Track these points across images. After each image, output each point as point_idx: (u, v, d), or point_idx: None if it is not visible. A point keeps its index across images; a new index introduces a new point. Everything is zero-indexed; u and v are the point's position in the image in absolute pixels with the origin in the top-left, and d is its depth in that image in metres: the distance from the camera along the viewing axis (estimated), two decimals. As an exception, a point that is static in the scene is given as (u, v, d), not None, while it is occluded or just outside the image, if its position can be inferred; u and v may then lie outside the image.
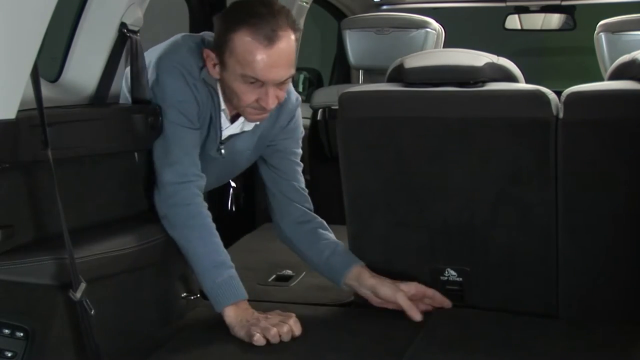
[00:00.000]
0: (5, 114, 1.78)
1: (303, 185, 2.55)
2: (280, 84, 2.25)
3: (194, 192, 2.28)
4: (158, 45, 2.39)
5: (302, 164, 2.58)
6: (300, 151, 2.59)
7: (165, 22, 3.50)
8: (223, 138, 2.41)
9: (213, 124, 2.38)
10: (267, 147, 2.53)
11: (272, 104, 2.25)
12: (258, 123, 2.42)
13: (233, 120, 2.41)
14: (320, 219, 2.51)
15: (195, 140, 2.33)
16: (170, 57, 2.31)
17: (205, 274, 2.21)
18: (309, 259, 2.49)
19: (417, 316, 2.28)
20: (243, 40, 2.17)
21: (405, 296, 2.31)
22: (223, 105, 2.37)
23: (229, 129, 2.42)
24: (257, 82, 2.21)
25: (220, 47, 2.22)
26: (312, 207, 2.53)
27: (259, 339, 2.09)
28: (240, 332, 2.14)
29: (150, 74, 2.30)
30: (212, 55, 2.26)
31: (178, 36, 2.39)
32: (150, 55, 2.33)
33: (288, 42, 2.20)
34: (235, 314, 2.17)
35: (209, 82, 2.32)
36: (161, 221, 2.27)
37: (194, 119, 2.31)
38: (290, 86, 2.42)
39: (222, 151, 2.42)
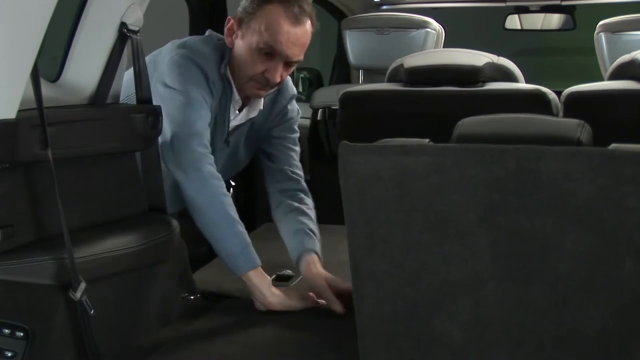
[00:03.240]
0: (5, 114, 1.78)
1: (299, 170, 2.62)
2: (289, 65, 2.42)
3: (214, 167, 2.35)
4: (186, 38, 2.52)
5: (298, 149, 2.67)
6: (296, 135, 2.68)
7: (165, 22, 3.50)
8: (230, 129, 2.52)
9: (222, 116, 2.48)
10: (265, 135, 2.63)
11: (277, 78, 2.41)
12: (261, 108, 2.55)
13: (239, 110, 2.53)
14: (307, 202, 2.57)
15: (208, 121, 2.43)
16: (196, 54, 2.44)
17: (226, 241, 2.28)
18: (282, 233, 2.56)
19: (338, 308, 2.30)
20: (274, 12, 2.36)
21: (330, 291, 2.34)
22: (237, 97, 2.49)
23: (236, 119, 2.53)
24: (271, 55, 2.38)
25: (248, 15, 2.40)
26: (307, 192, 2.59)
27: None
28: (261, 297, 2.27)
29: (171, 63, 2.41)
30: (235, 24, 2.43)
31: (207, 33, 2.56)
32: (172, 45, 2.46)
33: (309, 27, 2.41)
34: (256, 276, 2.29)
35: (227, 77, 2.45)
36: (178, 178, 2.32)
37: (209, 104, 2.42)
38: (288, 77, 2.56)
39: (230, 141, 2.53)
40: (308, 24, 2.41)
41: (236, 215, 2.32)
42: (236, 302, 2.41)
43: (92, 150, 2.12)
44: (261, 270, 2.31)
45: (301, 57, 2.43)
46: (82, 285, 1.89)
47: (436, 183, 1.59)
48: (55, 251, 1.91)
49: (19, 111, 1.81)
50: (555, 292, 1.59)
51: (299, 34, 2.39)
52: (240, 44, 2.42)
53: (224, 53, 2.48)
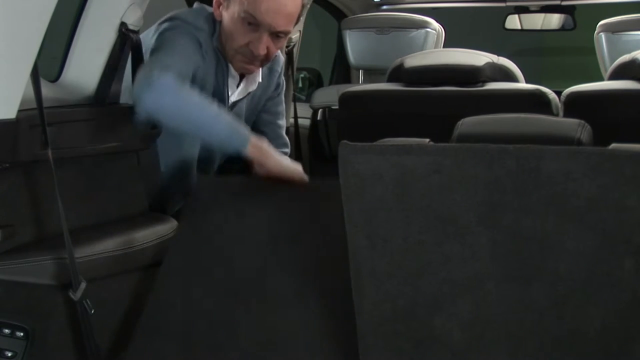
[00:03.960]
0: (5, 114, 1.78)
1: (287, 149, 2.62)
2: (275, 37, 2.32)
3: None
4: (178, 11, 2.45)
5: (284, 124, 2.67)
6: (283, 107, 2.68)
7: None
8: (230, 104, 2.48)
9: (220, 92, 2.43)
10: (262, 108, 2.62)
11: (261, 50, 2.31)
12: (260, 81, 2.51)
13: (238, 86, 2.49)
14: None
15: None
16: (189, 23, 2.36)
17: (214, 129, 2.18)
18: None
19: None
20: None
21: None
22: (234, 72, 2.43)
23: (234, 94, 2.48)
24: (254, 25, 2.29)
25: None
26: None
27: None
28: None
29: (159, 33, 2.33)
30: None
31: (196, 4, 2.48)
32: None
33: None
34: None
35: (219, 50, 2.39)
36: (147, 99, 2.15)
37: (196, 65, 2.34)
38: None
39: None
40: None
41: (210, 102, 2.22)
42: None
43: (92, 150, 2.12)
44: (254, 138, 2.20)
45: (288, 28, 2.33)
46: (83, 285, 1.89)
47: (436, 183, 1.59)
48: (55, 251, 1.91)
49: (19, 111, 1.81)
50: (555, 292, 1.59)
51: (282, 1, 2.28)
52: (226, 16, 2.34)
53: (215, 26, 2.40)
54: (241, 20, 2.29)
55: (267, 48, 2.33)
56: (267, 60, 2.39)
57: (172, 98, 2.15)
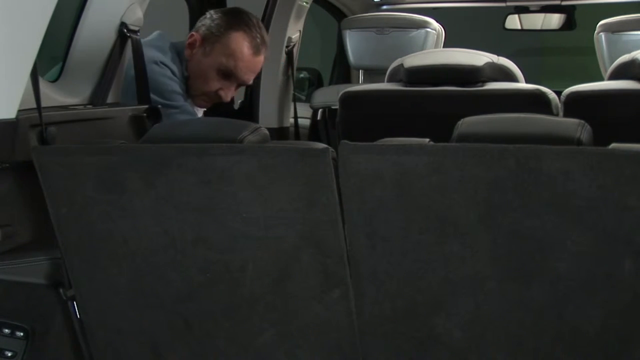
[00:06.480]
0: (5, 114, 1.78)
1: None
2: (239, 86, 2.68)
3: None
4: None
5: None
6: None
7: (165, 22, 3.49)
8: None
9: None
10: None
11: (229, 98, 2.64)
12: None
13: None
14: None
15: None
16: (164, 60, 2.58)
17: None
18: None
19: None
20: (239, 40, 2.58)
21: None
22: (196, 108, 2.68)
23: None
24: (228, 76, 2.58)
25: (214, 37, 2.58)
26: None
27: None
28: None
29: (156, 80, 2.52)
30: (199, 41, 2.59)
31: (156, 39, 2.66)
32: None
33: (264, 56, 2.66)
34: None
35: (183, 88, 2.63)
36: None
37: None
38: None
39: None
40: (264, 53, 2.64)
41: None
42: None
43: (92, 150, 2.12)
44: None
45: (251, 81, 2.68)
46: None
47: (436, 183, 1.59)
48: (55, 251, 1.91)
49: (19, 111, 1.81)
50: (555, 292, 1.59)
51: (257, 62, 2.62)
52: (202, 61, 2.58)
53: (182, 62, 2.62)
54: (217, 70, 2.57)
55: (231, 96, 2.65)
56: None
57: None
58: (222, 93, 2.62)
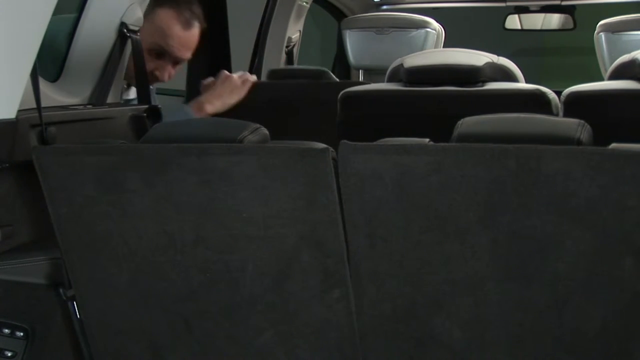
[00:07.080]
0: (5, 114, 1.78)
1: None
2: (176, 64, 2.57)
3: None
4: None
5: None
6: None
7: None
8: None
9: None
10: None
11: (166, 77, 2.56)
12: None
13: None
14: None
15: None
16: None
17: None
18: None
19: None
20: (166, 16, 2.50)
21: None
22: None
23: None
24: (161, 55, 2.51)
25: (143, 17, 2.46)
26: None
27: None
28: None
29: None
30: None
31: None
32: None
33: (198, 29, 2.55)
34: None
35: None
36: None
37: None
38: None
39: None
40: (197, 27, 2.54)
41: None
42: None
43: (92, 150, 2.12)
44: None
45: (189, 57, 2.57)
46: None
47: (436, 183, 1.59)
48: (55, 251, 1.91)
49: (19, 111, 1.81)
50: (555, 292, 1.59)
51: (189, 37, 2.52)
52: None
53: None
54: (148, 50, 2.45)
55: (169, 74, 2.56)
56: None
57: None
58: (157, 73, 2.55)
